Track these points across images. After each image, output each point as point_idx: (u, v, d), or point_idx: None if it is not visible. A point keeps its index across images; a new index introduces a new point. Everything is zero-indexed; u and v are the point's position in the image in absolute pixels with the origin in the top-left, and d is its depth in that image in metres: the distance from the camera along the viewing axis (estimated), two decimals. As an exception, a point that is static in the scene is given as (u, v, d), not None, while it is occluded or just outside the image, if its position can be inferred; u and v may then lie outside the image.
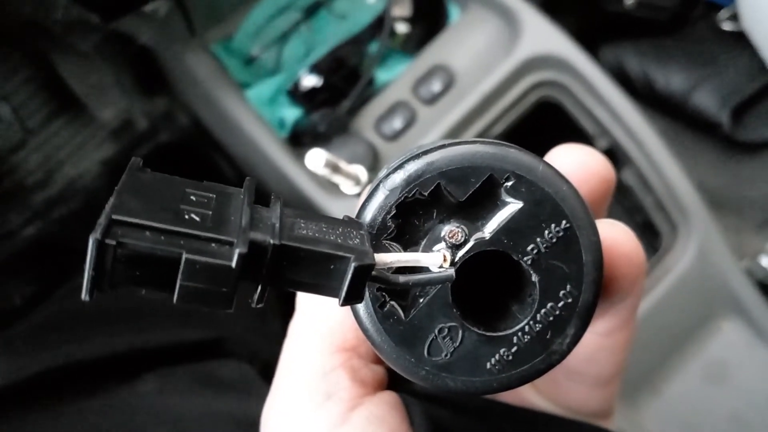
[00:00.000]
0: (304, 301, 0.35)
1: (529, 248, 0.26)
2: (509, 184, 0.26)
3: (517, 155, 0.26)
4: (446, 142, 0.27)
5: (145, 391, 0.64)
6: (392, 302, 0.26)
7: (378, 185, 0.26)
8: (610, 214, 0.33)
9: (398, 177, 0.26)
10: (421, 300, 0.26)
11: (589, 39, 1.02)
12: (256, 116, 0.92)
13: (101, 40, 0.88)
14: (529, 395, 0.40)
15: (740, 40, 1.06)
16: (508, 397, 0.40)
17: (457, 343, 0.26)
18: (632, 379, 0.92)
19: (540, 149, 0.37)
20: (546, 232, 0.26)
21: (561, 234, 0.26)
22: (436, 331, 0.26)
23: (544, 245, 0.26)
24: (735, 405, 0.92)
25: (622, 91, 0.94)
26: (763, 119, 1.12)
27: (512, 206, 0.26)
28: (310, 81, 0.93)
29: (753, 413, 0.92)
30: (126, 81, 0.99)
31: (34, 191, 0.94)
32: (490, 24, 0.97)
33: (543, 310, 0.26)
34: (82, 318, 0.72)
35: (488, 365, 0.26)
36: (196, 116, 1.03)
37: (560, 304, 0.26)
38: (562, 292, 0.26)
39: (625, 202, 0.99)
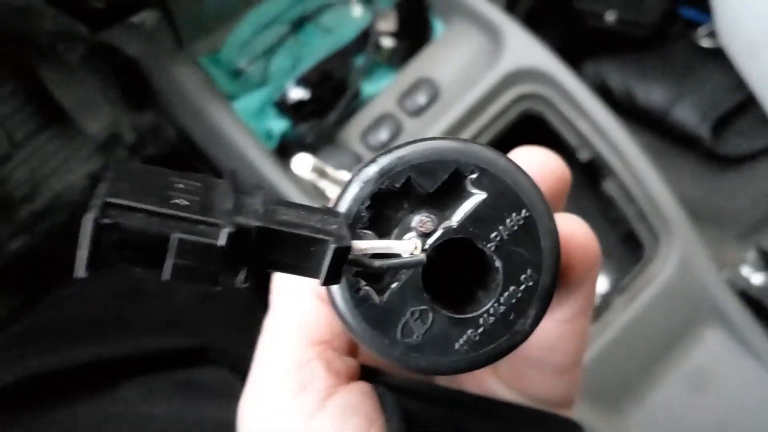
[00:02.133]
0: (278, 297, 0.36)
1: (493, 236, 0.28)
2: (473, 176, 0.28)
3: (480, 150, 0.28)
4: (416, 139, 0.29)
5: (126, 398, 0.63)
6: (367, 287, 0.27)
7: (353, 178, 0.28)
8: (594, 226, 0.35)
9: (371, 170, 0.27)
10: (394, 285, 0.27)
11: (572, 54, 1.04)
12: (243, 128, 0.93)
13: (88, 52, 0.89)
14: (494, 386, 0.42)
15: (718, 56, 1.08)
16: (474, 387, 0.42)
17: (428, 325, 0.28)
18: (616, 387, 0.93)
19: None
20: (508, 220, 0.28)
21: (521, 222, 0.28)
22: (409, 314, 0.27)
23: (506, 233, 0.28)
24: (718, 412, 0.93)
25: (604, 104, 0.96)
26: (742, 133, 1.15)
27: (476, 197, 0.28)
28: (297, 93, 0.94)
29: (735, 421, 0.93)
30: (113, 94, 0.99)
31: (20, 205, 0.94)
32: (473, 38, 0.98)
33: (506, 294, 0.28)
34: (63, 327, 0.71)
35: (457, 346, 0.28)
36: (184, 129, 1.03)
37: (522, 288, 0.28)
38: (523, 276, 0.28)
39: (607, 213, 1.00)
